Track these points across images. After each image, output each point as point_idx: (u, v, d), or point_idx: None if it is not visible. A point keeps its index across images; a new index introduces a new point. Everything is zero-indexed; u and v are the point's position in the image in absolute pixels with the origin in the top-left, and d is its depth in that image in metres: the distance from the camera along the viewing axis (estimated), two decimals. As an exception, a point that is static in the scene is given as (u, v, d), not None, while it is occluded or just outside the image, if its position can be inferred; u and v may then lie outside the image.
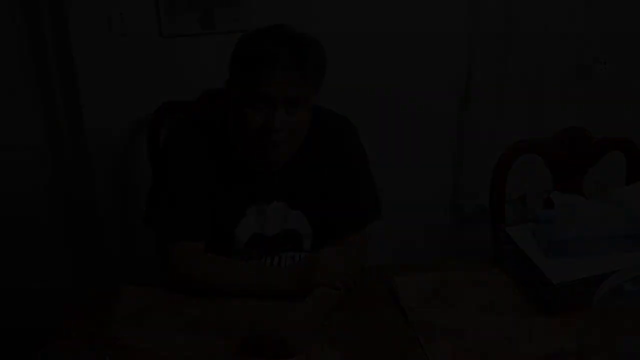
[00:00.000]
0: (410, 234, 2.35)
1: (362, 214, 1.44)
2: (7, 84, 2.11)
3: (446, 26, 2.08)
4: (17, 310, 2.36)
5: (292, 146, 1.33)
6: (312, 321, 1.17)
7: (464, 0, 2.06)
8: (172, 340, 1.17)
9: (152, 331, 1.20)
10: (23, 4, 2.01)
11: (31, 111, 2.14)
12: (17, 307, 2.36)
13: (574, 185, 1.71)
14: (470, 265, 1.42)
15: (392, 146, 2.20)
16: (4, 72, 2.09)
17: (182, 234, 1.33)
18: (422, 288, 1.33)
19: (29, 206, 2.26)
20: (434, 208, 2.34)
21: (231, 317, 1.24)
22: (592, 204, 1.38)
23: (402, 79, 2.11)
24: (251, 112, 1.26)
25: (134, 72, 1.98)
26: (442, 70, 2.13)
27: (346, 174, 1.43)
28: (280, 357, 1.11)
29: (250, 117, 1.26)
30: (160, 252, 1.35)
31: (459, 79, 2.15)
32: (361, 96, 2.10)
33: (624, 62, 2.15)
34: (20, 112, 2.14)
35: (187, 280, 1.30)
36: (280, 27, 1.29)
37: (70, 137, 2.16)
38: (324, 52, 1.32)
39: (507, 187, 1.74)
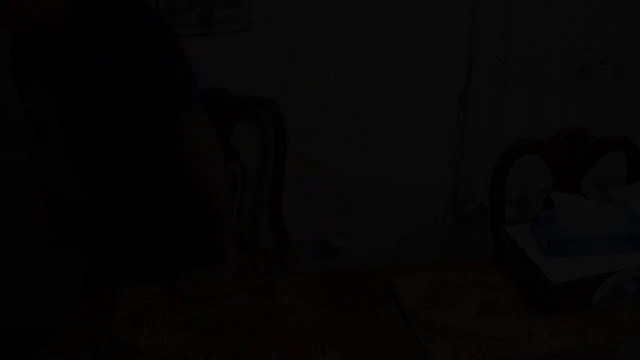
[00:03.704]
0: (410, 234, 2.35)
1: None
2: (7, 84, 2.10)
3: (446, 25, 2.08)
4: (17, 310, 2.37)
5: None
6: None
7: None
8: (171, 340, 1.17)
9: (152, 331, 1.20)
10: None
11: (31, 111, 2.14)
12: (17, 306, 2.36)
13: (574, 185, 1.71)
14: (470, 265, 1.42)
15: (392, 145, 2.20)
16: (4, 72, 2.08)
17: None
18: (422, 288, 1.33)
19: (29, 206, 2.26)
20: (434, 208, 2.34)
21: (230, 317, 1.24)
22: (592, 204, 1.37)
23: (402, 78, 2.11)
24: None
25: (134, 72, 1.98)
26: (442, 70, 2.13)
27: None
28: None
29: None
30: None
31: (459, 79, 2.15)
32: (361, 96, 2.10)
33: (624, 62, 2.15)
34: (20, 112, 2.14)
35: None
36: None
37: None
38: None
39: (507, 187, 1.74)
